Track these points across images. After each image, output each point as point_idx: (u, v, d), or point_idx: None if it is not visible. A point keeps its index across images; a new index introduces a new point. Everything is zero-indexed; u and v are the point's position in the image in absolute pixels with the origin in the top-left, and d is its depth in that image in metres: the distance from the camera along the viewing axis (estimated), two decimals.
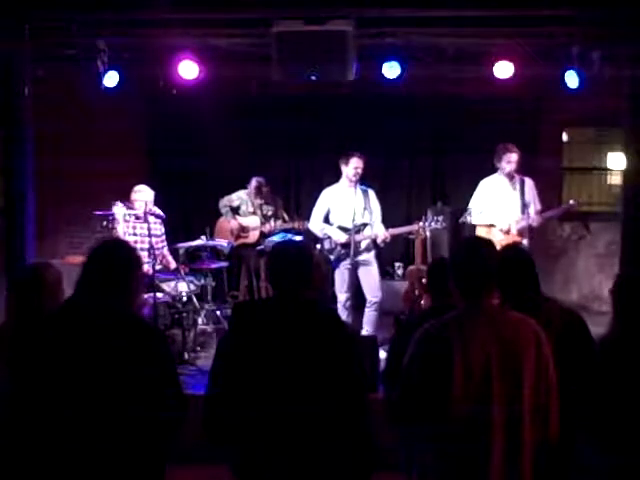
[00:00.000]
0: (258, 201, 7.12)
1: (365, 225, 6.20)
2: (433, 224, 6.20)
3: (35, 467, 2.41)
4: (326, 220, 6.31)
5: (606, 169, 8.29)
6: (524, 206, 6.10)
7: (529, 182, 6.19)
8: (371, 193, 6.30)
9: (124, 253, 2.61)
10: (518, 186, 6.13)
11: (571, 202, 6.32)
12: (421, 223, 6.22)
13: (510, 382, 2.49)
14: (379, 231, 6.17)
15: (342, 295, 6.19)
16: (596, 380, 2.85)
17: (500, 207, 6.15)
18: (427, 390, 2.52)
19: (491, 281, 2.60)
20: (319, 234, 6.32)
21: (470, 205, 6.25)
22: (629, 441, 2.82)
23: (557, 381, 2.57)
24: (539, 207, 6.20)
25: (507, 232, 6.08)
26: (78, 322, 2.45)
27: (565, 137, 8.21)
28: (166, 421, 2.49)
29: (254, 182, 7.08)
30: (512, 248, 3.47)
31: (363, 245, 6.18)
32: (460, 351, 2.48)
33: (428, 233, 6.43)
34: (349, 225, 6.09)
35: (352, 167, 6.10)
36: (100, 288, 2.48)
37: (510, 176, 6.11)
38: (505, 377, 2.49)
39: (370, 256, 6.24)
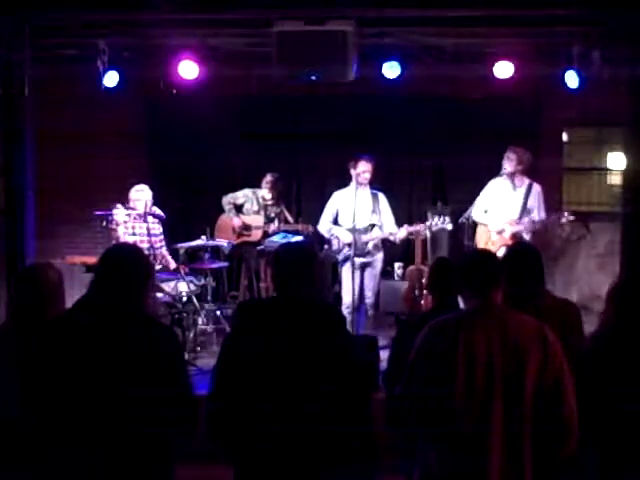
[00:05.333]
0: (271, 196, 7.07)
1: (373, 226, 6.23)
2: (440, 224, 6.19)
3: (44, 466, 2.41)
4: (335, 222, 6.36)
5: (606, 169, 8.26)
6: (524, 210, 6.03)
7: (536, 188, 6.10)
8: (381, 197, 6.34)
9: (137, 256, 2.65)
10: (523, 190, 6.07)
11: (565, 214, 6.25)
12: (428, 222, 6.21)
13: (512, 381, 2.50)
14: (393, 230, 6.20)
15: (348, 296, 6.17)
16: (588, 377, 2.84)
17: (496, 207, 6.14)
18: (430, 385, 2.54)
19: (498, 281, 2.65)
20: (326, 235, 6.35)
21: (475, 202, 6.21)
22: (623, 440, 2.81)
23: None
24: (543, 215, 6.07)
25: (500, 233, 6.07)
26: (91, 321, 2.46)
27: (565, 137, 8.20)
28: (176, 422, 2.48)
29: (269, 177, 7.06)
30: (517, 244, 3.52)
31: (370, 245, 6.20)
32: (464, 348, 2.51)
33: (429, 234, 6.44)
34: (356, 226, 6.07)
35: (360, 170, 6.13)
36: (113, 289, 2.50)
37: (511, 177, 6.09)
38: (507, 376, 2.50)
39: (377, 258, 6.28)
